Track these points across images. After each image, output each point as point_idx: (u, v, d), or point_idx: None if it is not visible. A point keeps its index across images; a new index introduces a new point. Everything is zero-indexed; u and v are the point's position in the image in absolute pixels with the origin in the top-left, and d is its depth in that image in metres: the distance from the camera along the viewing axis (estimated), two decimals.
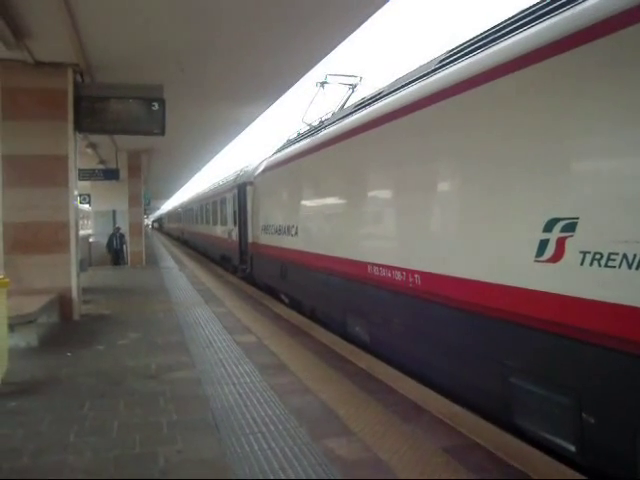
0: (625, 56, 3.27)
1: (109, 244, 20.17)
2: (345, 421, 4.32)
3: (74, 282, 8.87)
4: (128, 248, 20.17)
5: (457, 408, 4.66)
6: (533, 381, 3.94)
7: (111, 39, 8.01)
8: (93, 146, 15.66)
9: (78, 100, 8.82)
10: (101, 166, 18.98)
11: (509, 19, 5.00)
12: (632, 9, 3.20)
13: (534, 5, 4.65)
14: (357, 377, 5.52)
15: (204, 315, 9.27)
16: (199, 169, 27.71)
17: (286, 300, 11.15)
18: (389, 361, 6.12)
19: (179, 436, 4.05)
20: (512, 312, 4.08)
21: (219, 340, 7.27)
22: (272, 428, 4.18)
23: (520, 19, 4.72)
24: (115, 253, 20.11)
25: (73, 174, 8.99)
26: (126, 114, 8.96)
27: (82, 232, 25.51)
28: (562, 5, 4.10)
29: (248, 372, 5.74)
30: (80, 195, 24.39)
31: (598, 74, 3.46)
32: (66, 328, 8.29)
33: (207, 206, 23.65)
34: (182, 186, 40.71)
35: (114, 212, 23.65)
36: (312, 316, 9.16)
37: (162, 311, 9.71)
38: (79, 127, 9.03)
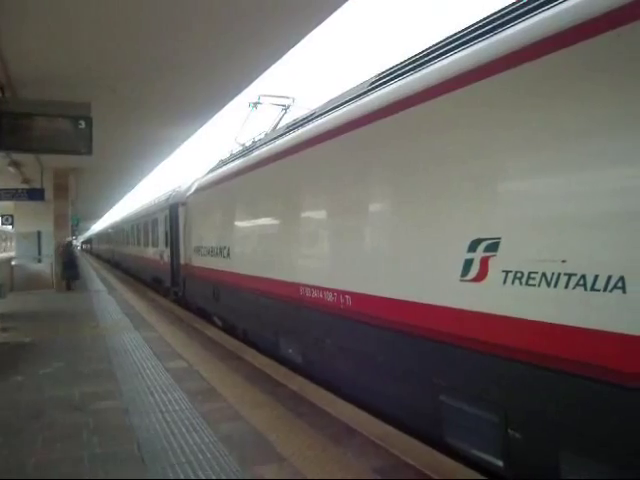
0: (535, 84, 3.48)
1: (70, 264, 18.64)
2: (276, 446, 4.26)
3: None
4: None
5: (389, 428, 4.69)
6: (462, 399, 4.01)
7: (35, 54, 7.73)
8: (16, 164, 14.93)
9: None
10: (25, 185, 18.13)
11: (439, 42, 5.14)
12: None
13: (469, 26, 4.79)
14: (289, 400, 5.47)
15: (133, 341, 8.96)
16: (131, 188, 27.01)
17: (219, 323, 10.96)
18: (322, 382, 6.10)
19: (101, 471, 3.87)
20: (440, 331, 4.15)
21: (148, 367, 7.04)
22: (200, 457, 4.07)
23: (449, 43, 4.86)
24: (76, 271, 18.97)
25: None
26: (51, 132, 8.60)
27: (3, 255, 24.31)
28: (478, 36, 4.29)
29: (177, 399, 5.57)
30: (2, 216, 23.39)
31: (519, 99, 3.64)
32: None
33: (138, 227, 23.03)
34: (113, 206, 39.52)
35: (39, 233, 22.67)
36: (245, 339, 9.04)
37: (89, 337, 9.31)
38: None
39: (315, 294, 6.10)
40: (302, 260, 6.83)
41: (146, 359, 7.53)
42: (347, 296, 5.47)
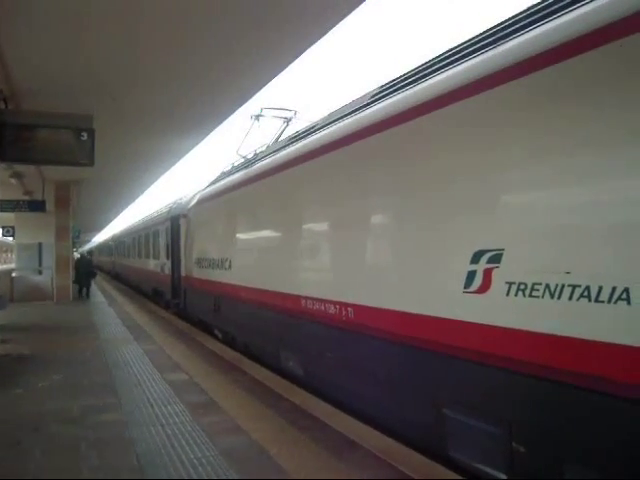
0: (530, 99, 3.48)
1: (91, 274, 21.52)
2: (277, 460, 4.20)
3: None
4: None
5: (390, 441, 4.64)
6: (465, 412, 3.97)
7: (39, 66, 7.76)
8: (18, 176, 14.96)
9: (1, 128, 8.43)
10: (26, 197, 18.17)
11: (439, 55, 5.15)
12: None
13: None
14: (291, 414, 5.42)
15: (133, 353, 8.92)
16: (133, 200, 27.03)
17: (219, 335, 10.91)
18: (324, 395, 6.05)
19: None
20: (443, 343, 4.12)
21: (148, 379, 6.99)
22: (201, 470, 4.02)
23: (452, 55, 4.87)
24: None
25: None
26: (53, 144, 8.62)
27: (3, 267, 24.30)
28: (482, 47, 4.30)
29: (177, 412, 5.52)
30: (3, 227, 23.39)
31: (518, 113, 3.64)
32: None
33: (139, 239, 23.05)
34: (115, 218, 39.58)
35: (40, 245, 22.61)
36: (246, 351, 8.99)
37: (89, 350, 9.26)
38: (1, 156, 8.61)
39: (317, 306, 6.07)
40: (304, 272, 6.80)
41: (146, 371, 7.48)
42: (349, 308, 5.44)
